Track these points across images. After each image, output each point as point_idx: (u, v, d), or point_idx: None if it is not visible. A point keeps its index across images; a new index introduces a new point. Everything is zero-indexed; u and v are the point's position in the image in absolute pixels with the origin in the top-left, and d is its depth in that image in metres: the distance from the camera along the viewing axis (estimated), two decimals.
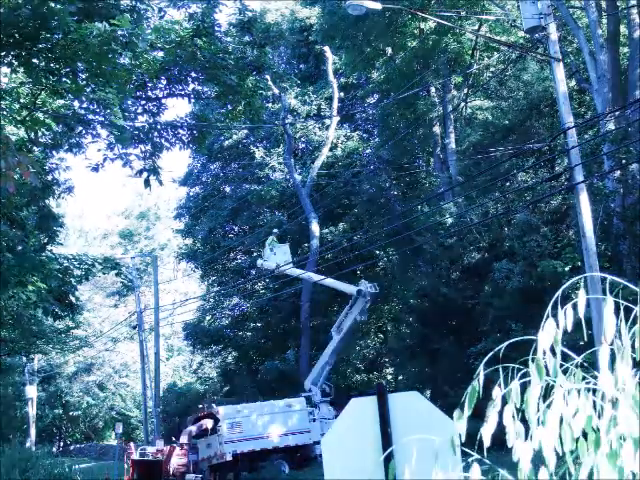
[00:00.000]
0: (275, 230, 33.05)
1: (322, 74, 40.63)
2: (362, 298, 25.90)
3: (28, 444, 46.00)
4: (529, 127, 25.55)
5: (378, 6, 16.75)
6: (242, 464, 25.70)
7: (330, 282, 29.64)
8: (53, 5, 9.68)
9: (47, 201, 18.93)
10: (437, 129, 32.73)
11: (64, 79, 11.46)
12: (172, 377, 59.07)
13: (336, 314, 40.83)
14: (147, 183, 13.99)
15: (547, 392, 2.34)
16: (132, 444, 33.96)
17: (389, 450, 4.36)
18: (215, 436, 26.17)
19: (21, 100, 13.28)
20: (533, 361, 2.35)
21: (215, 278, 45.87)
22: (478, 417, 2.43)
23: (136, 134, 13.98)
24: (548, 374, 2.34)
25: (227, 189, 44.78)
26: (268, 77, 21.88)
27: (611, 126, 19.25)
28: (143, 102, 14.59)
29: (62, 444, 57.49)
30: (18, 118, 13.25)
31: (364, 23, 28.35)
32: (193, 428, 27.50)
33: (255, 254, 43.14)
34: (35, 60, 10.86)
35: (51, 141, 14.59)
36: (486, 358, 2.45)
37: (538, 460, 2.27)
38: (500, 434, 2.39)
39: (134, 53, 11.59)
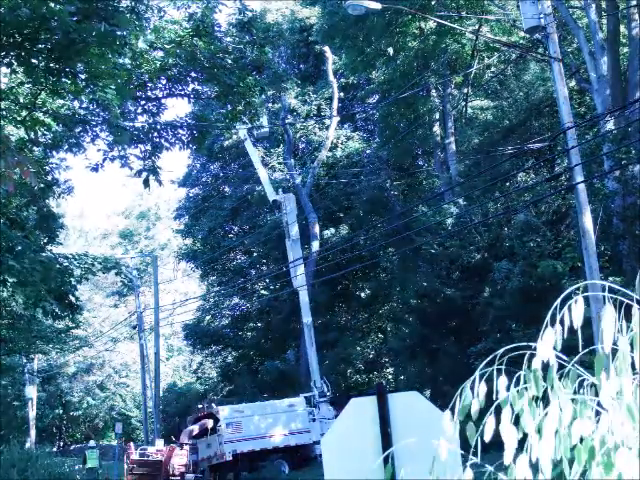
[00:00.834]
0: None
1: (322, 74, 40.62)
2: None
3: (28, 444, 45.98)
4: (529, 127, 25.55)
5: (378, 6, 16.75)
6: (242, 464, 25.71)
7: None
8: (53, 5, 9.68)
9: (47, 201, 18.93)
10: (437, 129, 32.73)
11: (64, 79, 11.45)
12: (172, 377, 59.06)
13: (336, 314, 40.91)
14: (146, 183, 13.99)
15: (544, 396, 2.34)
16: (132, 444, 33.97)
17: (389, 450, 4.36)
18: (215, 436, 26.18)
19: (21, 100, 13.28)
20: (530, 366, 2.34)
21: (215, 278, 45.87)
22: (479, 418, 2.43)
23: (136, 134, 13.98)
24: (545, 380, 2.33)
25: (227, 189, 44.78)
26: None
27: (610, 126, 19.24)
28: (143, 102, 14.59)
29: (62, 444, 57.47)
30: (18, 118, 13.24)
31: (364, 23, 28.33)
32: (194, 428, 27.51)
33: (255, 254, 43.19)
34: (35, 60, 10.85)
35: (51, 141, 14.58)
36: (485, 361, 2.44)
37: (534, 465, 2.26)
38: (500, 434, 2.38)
39: (134, 53, 11.60)
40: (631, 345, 2.27)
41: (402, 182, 37.22)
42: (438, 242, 25.81)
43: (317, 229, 35.71)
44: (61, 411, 56.83)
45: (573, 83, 24.58)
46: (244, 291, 40.16)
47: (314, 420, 26.62)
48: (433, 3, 27.02)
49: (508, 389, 2.36)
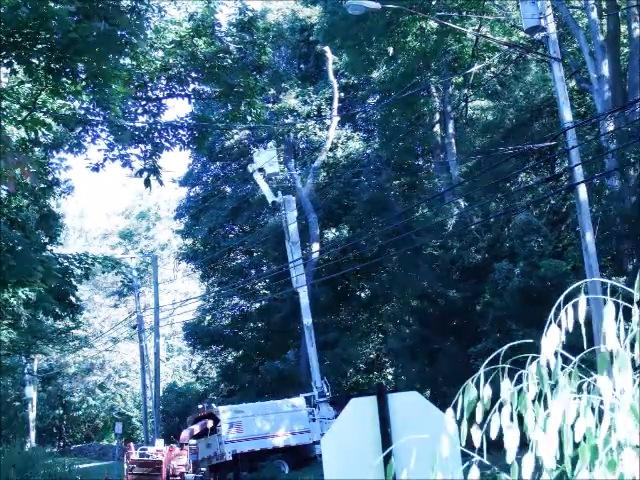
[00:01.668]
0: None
1: (322, 74, 40.60)
2: None
3: (28, 444, 45.98)
4: (530, 128, 25.54)
5: (377, 6, 16.74)
6: (242, 464, 25.71)
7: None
8: (53, 5, 9.67)
9: (47, 201, 18.94)
10: (438, 129, 32.72)
11: (64, 79, 11.45)
12: (172, 377, 59.05)
13: (337, 314, 40.91)
14: (147, 183, 13.99)
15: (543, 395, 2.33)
16: (132, 444, 33.94)
17: (388, 450, 4.35)
18: (215, 436, 26.17)
19: (21, 100, 13.28)
20: (533, 362, 2.34)
21: (215, 278, 45.87)
22: (483, 417, 2.42)
23: (136, 134, 13.99)
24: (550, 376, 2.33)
25: (227, 189, 44.78)
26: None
27: (611, 127, 19.23)
28: (143, 102, 14.60)
29: (62, 444, 57.46)
30: (18, 118, 13.24)
31: (365, 23, 28.30)
32: (194, 427, 27.50)
33: (255, 254, 43.18)
34: (35, 60, 10.85)
35: (51, 141, 14.58)
36: (487, 361, 2.43)
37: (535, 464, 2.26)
38: (500, 434, 2.38)
39: (134, 53, 11.59)
40: (632, 345, 2.26)
41: (402, 182, 37.22)
42: (439, 243, 25.82)
43: (317, 229, 35.70)
44: (61, 411, 56.84)
45: (573, 83, 24.58)
46: (244, 291, 40.16)
47: (314, 420, 26.61)
48: (433, 3, 27.01)
49: (513, 386, 2.36)
